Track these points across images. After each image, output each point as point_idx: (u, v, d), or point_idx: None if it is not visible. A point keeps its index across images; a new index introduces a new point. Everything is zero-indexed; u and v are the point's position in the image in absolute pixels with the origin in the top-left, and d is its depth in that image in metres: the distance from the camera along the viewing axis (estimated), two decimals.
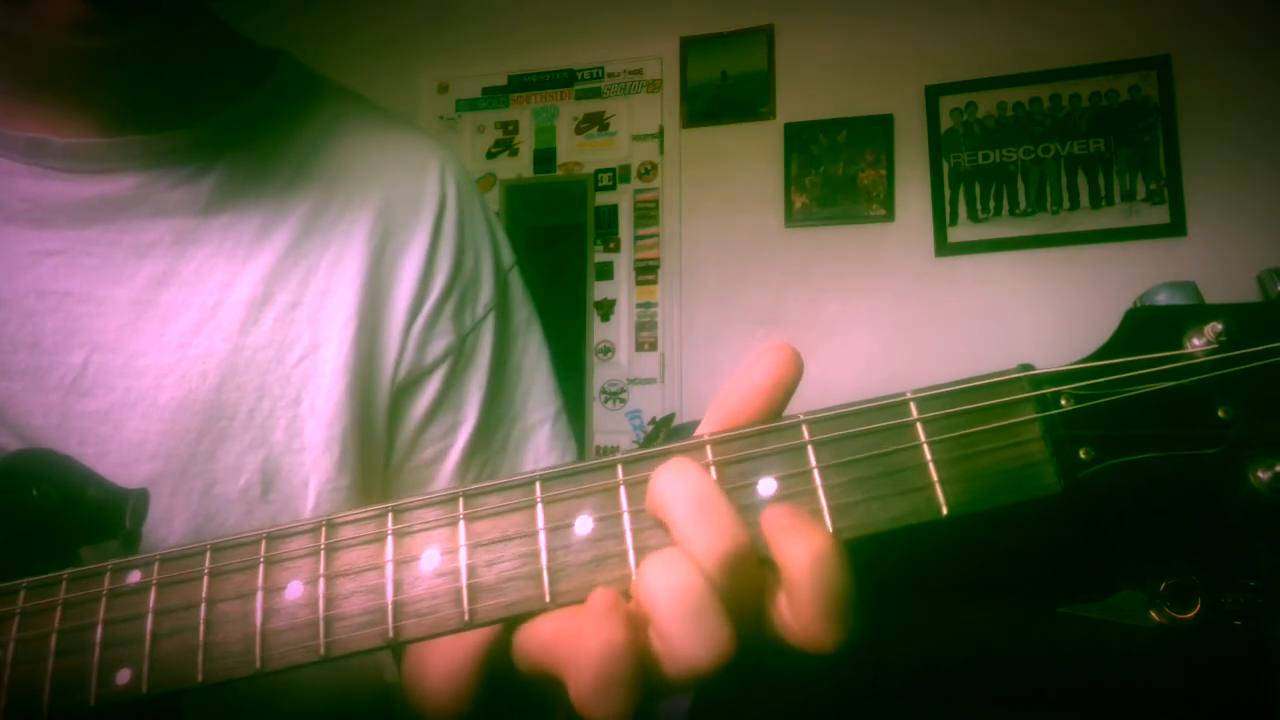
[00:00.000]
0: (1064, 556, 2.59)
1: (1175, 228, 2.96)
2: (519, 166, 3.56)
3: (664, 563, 0.37)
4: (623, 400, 3.35)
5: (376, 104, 0.76)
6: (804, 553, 0.36)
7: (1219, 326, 0.33)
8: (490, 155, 3.58)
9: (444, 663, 0.61)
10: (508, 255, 0.77)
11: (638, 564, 0.38)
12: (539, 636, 0.40)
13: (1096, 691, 2.28)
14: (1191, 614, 2.31)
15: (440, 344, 0.69)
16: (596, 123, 3.51)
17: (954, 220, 3.15)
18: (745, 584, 0.37)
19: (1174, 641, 2.32)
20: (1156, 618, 2.36)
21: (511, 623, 0.42)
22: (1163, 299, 0.35)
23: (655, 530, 0.39)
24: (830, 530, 0.37)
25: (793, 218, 3.29)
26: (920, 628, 2.47)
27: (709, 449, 0.39)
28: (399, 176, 0.71)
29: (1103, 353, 0.35)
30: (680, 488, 0.38)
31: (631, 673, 0.36)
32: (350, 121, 0.72)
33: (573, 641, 0.38)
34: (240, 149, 0.66)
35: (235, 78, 0.68)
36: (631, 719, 0.36)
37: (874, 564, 0.40)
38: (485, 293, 0.73)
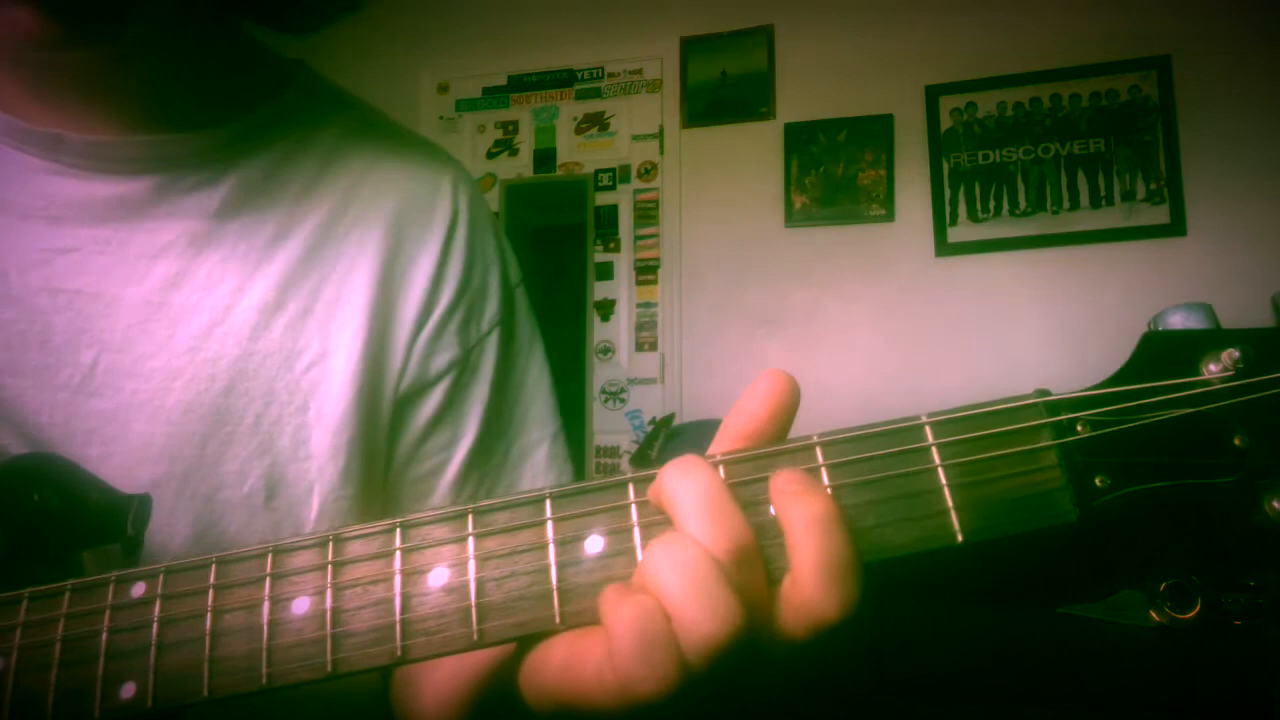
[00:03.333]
0: (1065, 558, 2.59)
1: (1175, 228, 2.96)
2: (519, 166, 3.56)
3: (667, 541, 0.37)
4: (623, 400, 3.35)
5: (392, 119, 0.76)
6: (806, 514, 0.36)
7: (1236, 354, 0.33)
8: (490, 155, 3.57)
9: (440, 687, 0.61)
10: (515, 272, 0.77)
11: None
12: (550, 666, 0.40)
13: (1097, 692, 2.28)
14: (1191, 614, 2.31)
15: (445, 356, 0.69)
16: (596, 123, 3.50)
17: (954, 220, 3.15)
18: (749, 579, 0.37)
19: (1174, 641, 2.32)
20: (1156, 618, 2.35)
21: (510, 661, 0.42)
22: (1177, 321, 0.34)
23: None
24: (831, 496, 0.37)
25: (793, 218, 3.29)
26: (921, 628, 2.47)
27: (722, 469, 0.39)
28: (412, 190, 0.71)
29: (1119, 378, 0.35)
30: (689, 484, 0.38)
31: (668, 630, 0.36)
32: (366, 134, 0.72)
33: (589, 662, 0.38)
34: (256, 156, 0.66)
35: (254, 85, 0.68)
36: (677, 687, 0.36)
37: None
38: (491, 308, 0.73)
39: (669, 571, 0.36)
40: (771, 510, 0.38)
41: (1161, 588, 2.36)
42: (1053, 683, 2.33)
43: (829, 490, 0.38)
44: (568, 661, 0.39)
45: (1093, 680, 2.30)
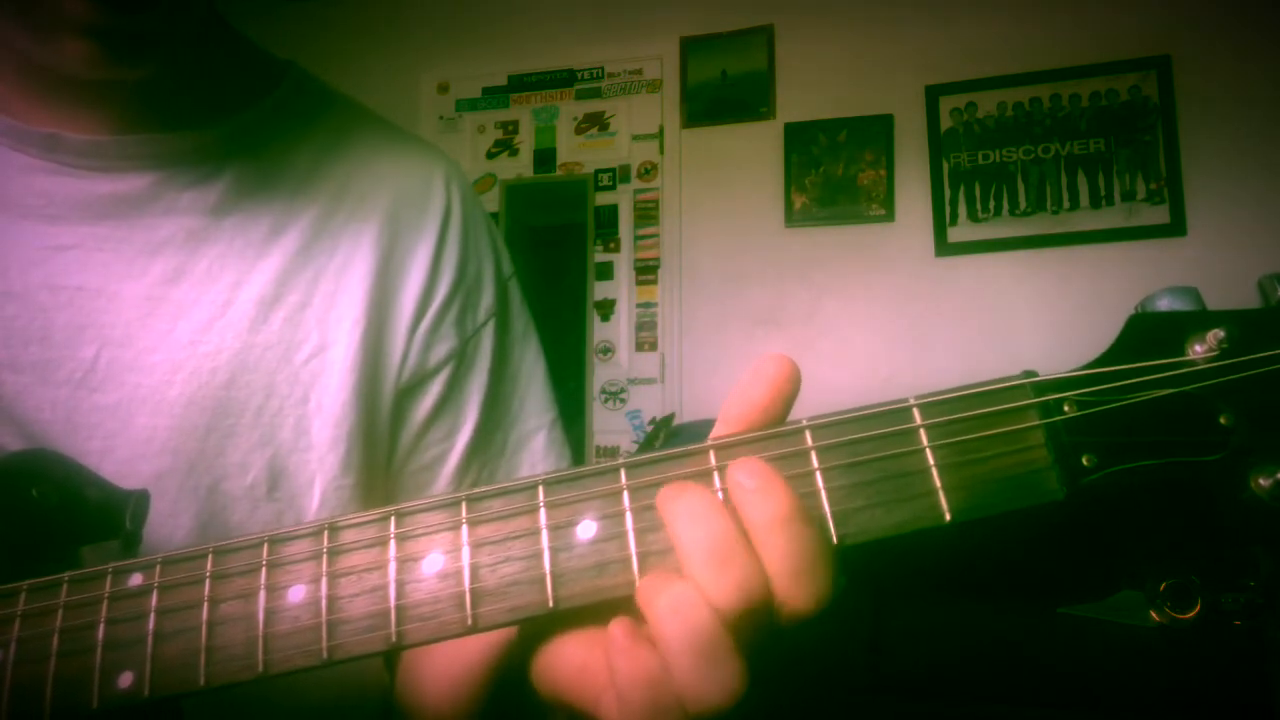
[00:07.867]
0: (1064, 557, 2.59)
1: (1175, 228, 2.96)
2: (519, 166, 3.56)
3: (675, 596, 0.37)
4: (623, 400, 3.35)
5: (382, 116, 0.77)
6: (766, 515, 0.37)
7: (1221, 334, 0.33)
8: (490, 155, 3.57)
9: (445, 678, 0.62)
10: (507, 264, 0.78)
11: (641, 570, 0.38)
12: (564, 668, 0.40)
13: (1096, 691, 2.28)
14: (1191, 614, 2.31)
15: (444, 347, 0.70)
16: (596, 123, 3.51)
17: (954, 220, 3.15)
18: (754, 625, 0.37)
19: (1174, 641, 2.32)
20: (1156, 618, 2.36)
21: (521, 648, 0.42)
22: (1164, 304, 0.35)
23: (658, 534, 0.39)
24: (787, 487, 0.37)
25: (793, 218, 3.29)
26: (920, 627, 2.47)
27: (712, 454, 0.39)
28: (405, 184, 0.72)
29: (1105, 359, 0.35)
30: (698, 528, 0.37)
31: (675, 697, 0.36)
32: (357, 131, 0.73)
33: (603, 674, 0.38)
34: (251, 153, 0.67)
35: (247, 84, 0.69)
36: None
37: (873, 564, 0.40)
38: (486, 299, 0.74)
39: (677, 637, 0.36)
40: None
41: (1161, 588, 2.36)
42: (1052, 682, 2.33)
43: (786, 482, 0.38)
44: (582, 671, 0.40)
45: (1092, 680, 2.30)
